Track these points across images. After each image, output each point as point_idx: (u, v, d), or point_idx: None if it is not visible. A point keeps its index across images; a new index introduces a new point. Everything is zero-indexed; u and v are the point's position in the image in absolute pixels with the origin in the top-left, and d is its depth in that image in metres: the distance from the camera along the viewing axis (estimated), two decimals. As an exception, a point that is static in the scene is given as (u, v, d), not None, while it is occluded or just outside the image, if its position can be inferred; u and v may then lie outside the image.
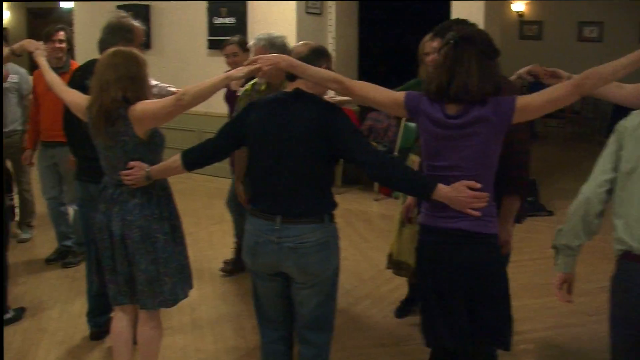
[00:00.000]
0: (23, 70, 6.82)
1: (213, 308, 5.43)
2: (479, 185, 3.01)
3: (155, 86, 6.04)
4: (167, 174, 3.63)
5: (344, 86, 3.25)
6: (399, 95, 3.24)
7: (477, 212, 3.00)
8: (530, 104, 3.01)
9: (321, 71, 3.28)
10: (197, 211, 8.33)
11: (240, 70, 3.41)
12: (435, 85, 3.08)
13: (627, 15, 13.64)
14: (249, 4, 9.80)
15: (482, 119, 2.99)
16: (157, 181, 3.63)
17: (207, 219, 8.02)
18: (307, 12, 9.59)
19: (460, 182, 3.01)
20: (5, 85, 6.33)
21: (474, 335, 3.13)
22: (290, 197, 3.28)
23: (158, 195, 3.66)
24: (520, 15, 15.38)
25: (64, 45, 6.10)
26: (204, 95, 3.50)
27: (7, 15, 15.65)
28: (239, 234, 6.03)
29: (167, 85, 5.56)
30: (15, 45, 4.49)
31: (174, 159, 3.50)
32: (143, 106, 3.50)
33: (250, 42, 4.92)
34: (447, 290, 3.12)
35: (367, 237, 7.47)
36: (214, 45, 9.92)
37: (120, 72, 3.52)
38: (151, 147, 3.63)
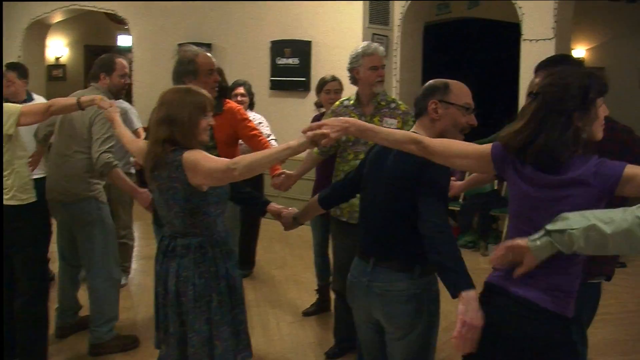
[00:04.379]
0: (127, 105, 6.45)
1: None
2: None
3: (260, 124, 5.96)
4: (310, 215, 3.76)
5: (422, 146, 2.87)
6: (486, 147, 2.86)
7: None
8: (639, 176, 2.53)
9: (395, 133, 3.00)
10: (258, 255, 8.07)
11: (303, 139, 3.07)
12: (516, 141, 2.70)
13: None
14: (313, 43, 9.68)
15: (580, 181, 2.55)
16: (216, 235, 3.40)
17: (267, 263, 7.79)
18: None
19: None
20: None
21: None
22: (383, 239, 3.19)
23: (214, 251, 3.37)
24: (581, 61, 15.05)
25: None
26: (260, 166, 3.20)
27: (65, 52, 15.76)
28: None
29: (269, 133, 5.50)
30: (85, 98, 4.33)
31: (313, 198, 3.69)
32: (197, 157, 3.21)
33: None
34: None
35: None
36: (276, 86, 9.80)
37: (167, 111, 3.27)
38: (209, 198, 3.33)
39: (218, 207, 3.41)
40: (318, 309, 6.06)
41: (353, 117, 4.58)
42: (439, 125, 3.16)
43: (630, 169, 2.52)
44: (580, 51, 15.15)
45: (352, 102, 4.75)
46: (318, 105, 6.36)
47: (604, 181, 2.53)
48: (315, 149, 4.77)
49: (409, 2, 9.53)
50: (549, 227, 2.50)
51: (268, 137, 6.15)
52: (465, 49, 13.63)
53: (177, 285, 3.31)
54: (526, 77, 8.32)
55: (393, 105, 4.68)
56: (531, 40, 8.44)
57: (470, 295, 2.69)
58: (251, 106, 6.91)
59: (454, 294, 2.72)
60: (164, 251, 3.40)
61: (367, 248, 3.26)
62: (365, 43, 4.78)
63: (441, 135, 3.08)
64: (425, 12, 10.26)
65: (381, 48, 4.76)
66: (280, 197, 6.80)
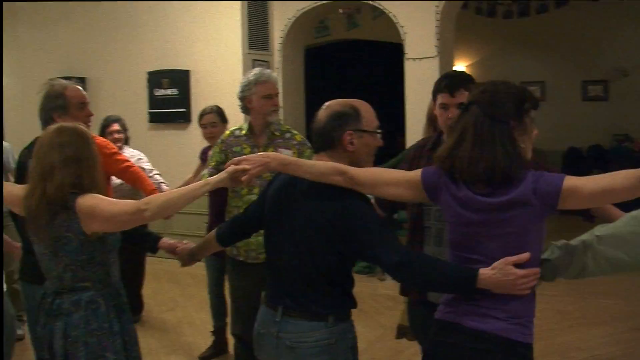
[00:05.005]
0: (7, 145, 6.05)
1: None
2: (527, 256, 2.47)
3: (140, 160, 5.62)
4: (208, 251, 3.38)
5: (348, 176, 2.71)
6: (415, 173, 2.72)
7: (528, 290, 2.48)
8: (581, 189, 2.41)
9: (318, 165, 2.78)
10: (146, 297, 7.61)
11: (222, 175, 2.87)
12: (451, 158, 2.56)
13: (566, 74, 13.68)
14: (192, 72, 9.35)
15: (522, 202, 2.43)
16: (109, 287, 3.06)
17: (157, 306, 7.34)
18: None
19: (505, 260, 2.45)
20: None
21: None
22: (294, 289, 2.86)
23: (107, 305, 3.02)
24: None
25: None
26: (175, 206, 2.93)
27: None
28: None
29: (151, 169, 5.17)
30: None
31: (210, 234, 3.29)
32: (95, 202, 2.87)
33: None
34: None
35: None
36: (155, 118, 9.42)
37: (67, 153, 2.93)
38: (106, 246, 3.01)
39: (112, 255, 3.08)
40: (215, 352, 5.72)
41: (245, 148, 4.36)
42: (354, 156, 2.86)
43: (570, 181, 2.43)
44: (460, 67, 15.43)
45: (244, 132, 4.46)
46: None
47: (544, 199, 2.43)
48: (205, 176, 4.44)
49: (289, 26, 9.34)
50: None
51: (150, 172, 5.81)
52: (348, 70, 13.62)
53: (65, 347, 2.94)
54: (411, 95, 8.33)
55: (288, 135, 4.43)
56: (414, 59, 8.43)
57: (482, 272, 2.48)
58: (126, 142, 6.53)
59: (473, 287, 2.50)
60: (47, 310, 3.01)
61: (275, 296, 2.94)
62: (257, 70, 4.50)
63: (354, 165, 2.80)
64: (305, 36, 10.11)
65: (274, 75, 4.52)
66: (167, 234, 6.35)
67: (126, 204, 2.90)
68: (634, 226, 2.53)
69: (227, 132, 4.63)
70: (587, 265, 2.59)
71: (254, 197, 4.23)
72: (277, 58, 9.45)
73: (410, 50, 8.50)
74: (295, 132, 4.52)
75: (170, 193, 2.93)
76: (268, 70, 4.55)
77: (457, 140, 2.55)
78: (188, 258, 3.37)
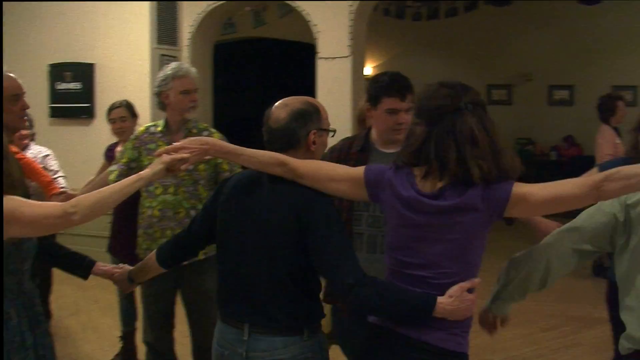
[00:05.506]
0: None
1: None
2: (479, 281, 2.43)
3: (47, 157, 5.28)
4: (150, 274, 3.08)
5: (289, 168, 2.59)
6: (358, 170, 2.62)
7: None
8: (531, 196, 2.36)
9: (259, 154, 2.63)
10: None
11: (157, 167, 2.64)
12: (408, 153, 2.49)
13: (472, 78, 13.90)
14: (97, 66, 9.00)
15: (468, 207, 2.37)
16: (21, 297, 2.75)
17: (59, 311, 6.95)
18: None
19: (460, 286, 2.39)
20: None
21: None
22: (261, 301, 2.62)
23: (19, 317, 2.72)
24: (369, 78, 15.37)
25: None
26: (106, 205, 2.62)
27: None
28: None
29: (57, 170, 4.89)
30: None
31: (151, 255, 3.00)
32: (12, 204, 2.49)
33: None
34: None
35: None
36: (56, 113, 9.04)
37: None
38: (21, 253, 2.73)
39: (27, 263, 2.78)
40: (124, 360, 5.46)
41: (160, 145, 4.11)
42: (313, 156, 2.73)
43: (518, 188, 2.37)
44: (367, 68, 15.48)
45: (159, 128, 4.25)
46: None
47: (492, 205, 2.37)
48: (112, 176, 4.23)
49: (198, 21, 9.12)
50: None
51: (56, 173, 5.43)
52: (256, 68, 13.48)
53: None
54: (323, 94, 8.23)
55: (205, 133, 4.22)
56: (327, 58, 8.35)
57: (440, 302, 2.40)
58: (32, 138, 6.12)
59: (430, 314, 2.40)
60: None
61: (237, 312, 2.69)
62: (175, 64, 4.29)
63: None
64: (214, 32, 9.89)
65: (193, 69, 4.29)
66: (68, 235, 6.02)
67: (50, 207, 2.59)
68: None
69: (142, 128, 4.40)
70: (551, 264, 2.62)
71: (169, 197, 4.06)
72: (185, 54, 9.20)
73: (322, 49, 8.44)
74: (213, 130, 4.34)
75: (100, 192, 2.61)
76: (187, 65, 4.35)
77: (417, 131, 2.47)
78: (127, 283, 3.13)
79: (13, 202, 2.52)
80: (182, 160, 2.61)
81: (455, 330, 2.45)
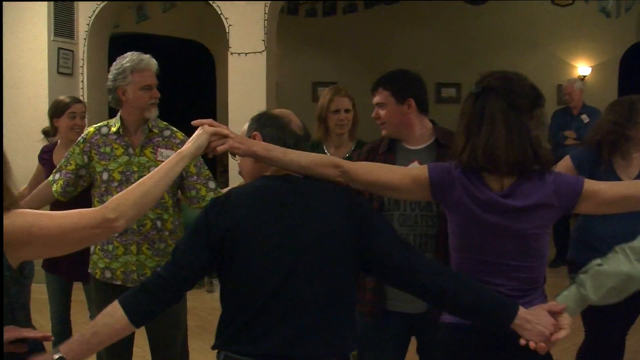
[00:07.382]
0: None
1: None
2: (561, 307, 2.30)
3: None
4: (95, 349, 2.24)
5: (343, 170, 2.40)
6: (419, 170, 2.49)
7: (546, 347, 2.25)
8: (601, 193, 2.42)
9: (309, 154, 2.37)
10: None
11: (201, 138, 2.33)
12: (463, 151, 2.44)
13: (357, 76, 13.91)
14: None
15: (545, 204, 2.36)
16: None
17: None
18: (59, 73, 8.32)
19: (541, 306, 2.29)
20: None
21: None
22: (312, 332, 2.19)
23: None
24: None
25: None
26: (151, 201, 2.25)
27: None
28: None
29: None
30: None
31: (105, 321, 2.18)
32: (30, 220, 2.03)
33: None
34: None
35: None
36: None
37: None
38: (26, 281, 2.23)
39: (24, 289, 2.26)
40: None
41: (116, 148, 3.68)
42: None
43: (589, 185, 2.42)
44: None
45: (114, 129, 3.73)
46: (47, 133, 5.17)
47: (564, 201, 2.42)
48: (56, 187, 3.75)
49: (96, 12, 8.58)
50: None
51: None
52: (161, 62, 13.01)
53: None
54: (235, 89, 8.01)
55: (167, 132, 3.78)
56: (240, 53, 8.06)
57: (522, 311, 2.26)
58: None
59: (511, 321, 2.24)
60: None
61: (283, 350, 2.19)
62: (134, 55, 3.69)
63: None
64: (110, 25, 9.31)
65: (154, 61, 3.74)
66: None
67: (80, 215, 2.10)
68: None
69: (91, 129, 3.84)
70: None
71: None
72: (81, 47, 8.62)
73: (235, 45, 8.15)
74: (175, 129, 3.84)
75: (141, 184, 2.21)
76: (147, 56, 3.75)
77: (489, 130, 2.36)
78: None
79: (26, 217, 2.05)
80: (222, 140, 2.31)
81: None
